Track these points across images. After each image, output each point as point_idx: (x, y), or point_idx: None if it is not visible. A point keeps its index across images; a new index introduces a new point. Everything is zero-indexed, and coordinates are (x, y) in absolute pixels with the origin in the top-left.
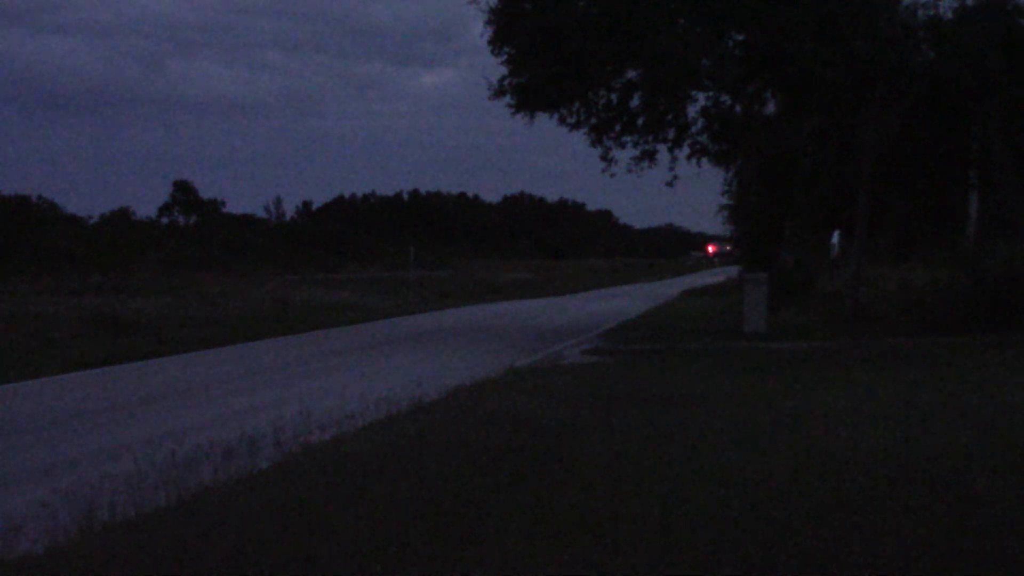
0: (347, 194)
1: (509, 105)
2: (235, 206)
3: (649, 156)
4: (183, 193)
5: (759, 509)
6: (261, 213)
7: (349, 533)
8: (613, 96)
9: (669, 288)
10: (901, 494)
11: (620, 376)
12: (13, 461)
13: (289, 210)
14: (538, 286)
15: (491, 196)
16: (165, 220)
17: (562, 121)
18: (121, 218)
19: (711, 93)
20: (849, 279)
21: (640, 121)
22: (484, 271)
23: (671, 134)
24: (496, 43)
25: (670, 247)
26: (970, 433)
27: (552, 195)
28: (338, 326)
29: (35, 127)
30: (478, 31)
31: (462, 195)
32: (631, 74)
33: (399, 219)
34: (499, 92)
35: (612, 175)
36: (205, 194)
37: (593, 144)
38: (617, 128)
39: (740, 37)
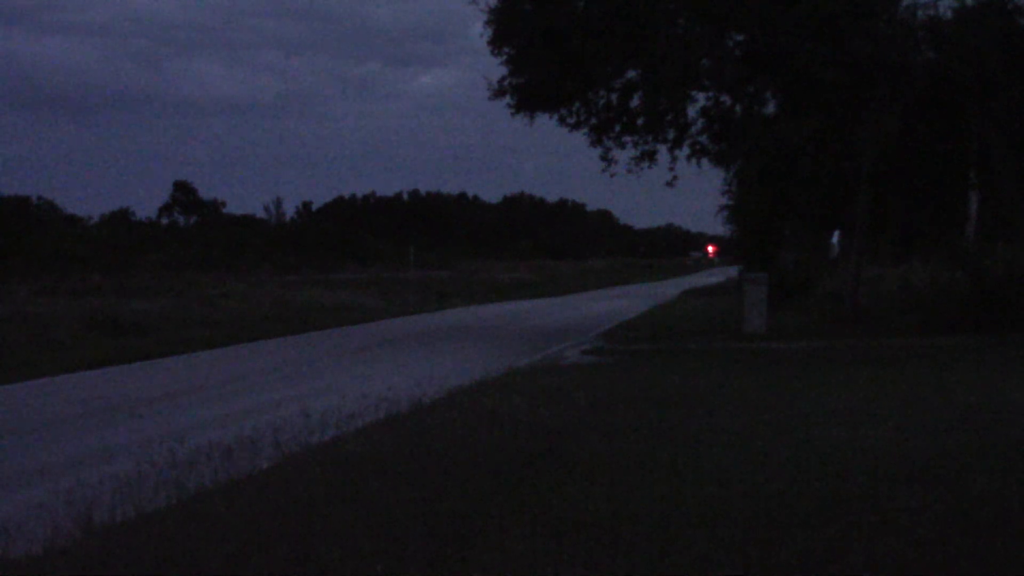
0: (347, 194)
1: (509, 105)
2: (235, 206)
3: (649, 156)
4: (183, 194)
5: (759, 509)
6: (261, 213)
7: (349, 533)
8: (613, 96)
9: (669, 288)
10: (901, 494)
11: (620, 376)
12: (13, 461)
13: (289, 210)
14: (538, 286)
15: (491, 196)
16: (165, 221)
17: (562, 121)
18: (121, 219)
19: (711, 93)
20: (849, 279)
21: (640, 121)
22: (484, 271)
23: (671, 134)
24: (496, 43)
25: (670, 247)
26: (970, 433)
27: (552, 195)
28: (338, 326)
29: (35, 127)
30: (477, 31)
31: (462, 195)
32: (631, 74)
33: (399, 219)
34: (499, 92)
35: (612, 175)
36: (205, 194)
37: (593, 144)
38: (617, 128)
39: (740, 37)
